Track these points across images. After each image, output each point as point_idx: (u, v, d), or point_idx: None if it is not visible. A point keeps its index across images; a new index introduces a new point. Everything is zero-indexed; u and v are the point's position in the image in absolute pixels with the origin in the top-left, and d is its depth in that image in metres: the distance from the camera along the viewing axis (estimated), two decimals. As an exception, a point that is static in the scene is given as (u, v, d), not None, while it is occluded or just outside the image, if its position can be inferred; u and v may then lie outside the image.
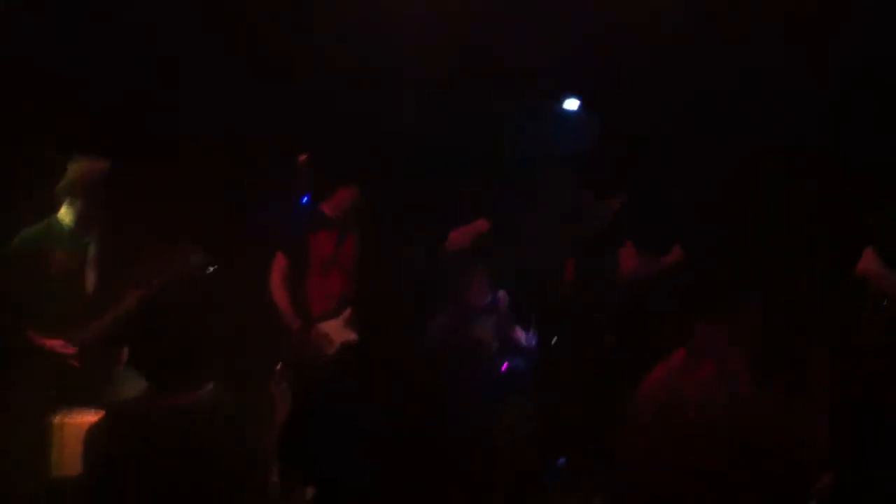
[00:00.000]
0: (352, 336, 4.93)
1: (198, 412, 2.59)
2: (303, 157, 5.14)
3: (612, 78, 5.74)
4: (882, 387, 4.01)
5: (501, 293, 5.38)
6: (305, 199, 5.50)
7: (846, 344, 4.33)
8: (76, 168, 4.10)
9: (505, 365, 5.28)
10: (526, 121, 6.19)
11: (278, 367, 4.98)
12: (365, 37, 5.35)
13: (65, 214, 4.14)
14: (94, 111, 4.95)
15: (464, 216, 5.39)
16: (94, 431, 2.58)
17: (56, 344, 3.98)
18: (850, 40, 4.98)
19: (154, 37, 5.03)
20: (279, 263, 4.91)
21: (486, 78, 5.76)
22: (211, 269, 4.20)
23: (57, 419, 3.87)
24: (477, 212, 5.44)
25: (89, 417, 4.22)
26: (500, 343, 5.30)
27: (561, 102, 6.40)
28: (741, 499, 2.99)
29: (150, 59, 5.12)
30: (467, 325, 5.18)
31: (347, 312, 4.96)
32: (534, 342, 5.41)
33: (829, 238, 5.07)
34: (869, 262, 4.37)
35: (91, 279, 4.18)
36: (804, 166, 5.47)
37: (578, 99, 6.34)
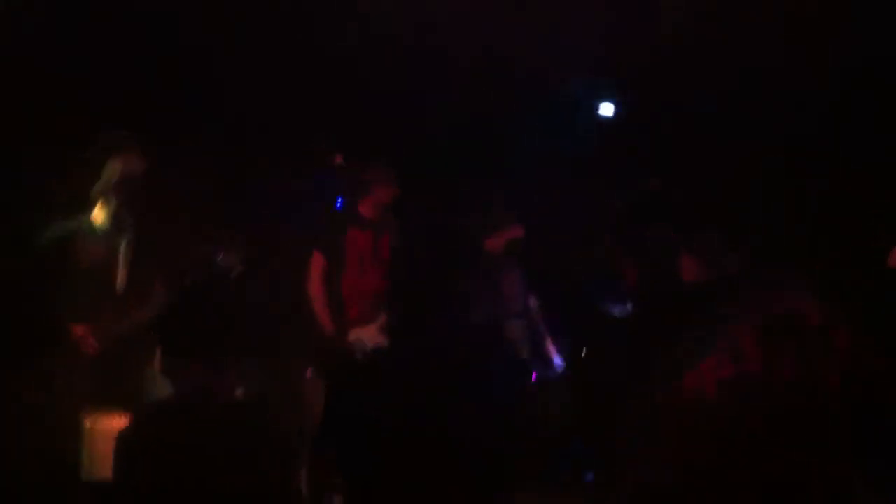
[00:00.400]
0: (383, 341, 4.85)
1: (232, 411, 2.50)
2: (338, 158, 5.04)
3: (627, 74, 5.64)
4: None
5: (532, 299, 5.40)
6: (339, 201, 5.49)
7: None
8: (114, 166, 4.09)
9: (535, 374, 5.34)
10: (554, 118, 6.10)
11: (308, 371, 4.93)
12: (397, 36, 5.31)
13: (99, 212, 4.12)
14: (129, 111, 4.89)
15: (501, 220, 5.30)
16: (127, 432, 2.53)
17: (78, 329, 3.95)
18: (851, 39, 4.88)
19: (190, 32, 5.00)
20: (317, 263, 4.87)
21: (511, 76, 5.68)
22: (237, 271, 4.16)
23: (88, 422, 3.81)
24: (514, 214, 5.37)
25: (120, 420, 4.19)
26: (530, 347, 5.33)
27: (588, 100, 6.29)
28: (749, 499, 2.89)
29: (187, 56, 5.07)
30: (501, 325, 5.16)
31: (382, 319, 4.88)
32: (560, 364, 5.46)
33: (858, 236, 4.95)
34: None
35: (122, 276, 4.16)
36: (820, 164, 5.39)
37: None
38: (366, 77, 5.53)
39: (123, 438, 2.52)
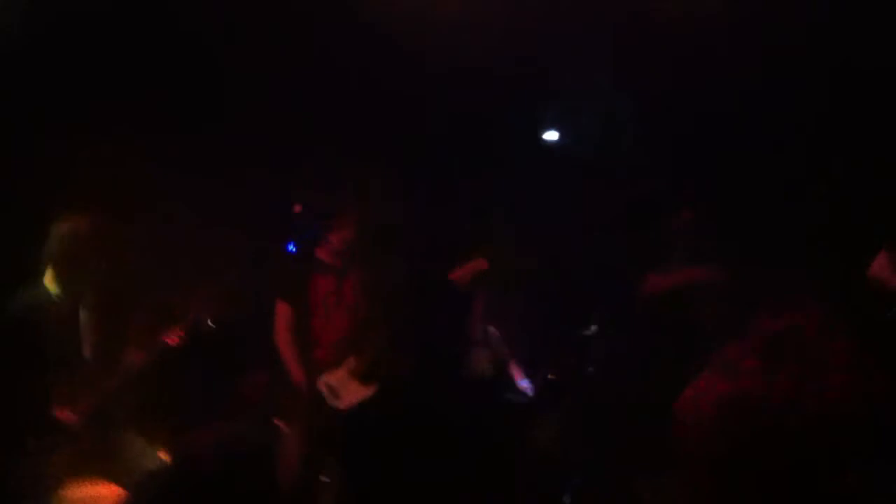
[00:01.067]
0: (361, 390, 4.86)
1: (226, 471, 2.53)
2: (297, 208, 5.05)
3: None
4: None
5: (492, 328, 5.56)
6: (290, 246, 5.51)
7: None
8: (58, 232, 3.90)
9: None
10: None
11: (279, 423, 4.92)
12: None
13: (49, 280, 3.93)
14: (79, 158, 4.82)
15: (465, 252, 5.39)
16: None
17: (63, 413, 3.82)
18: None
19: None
20: (282, 312, 4.89)
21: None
22: (211, 325, 4.10)
23: (67, 492, 3.72)
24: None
25: (99, 489, 4.11)
26: (495, 372, 5.50)
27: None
28: None
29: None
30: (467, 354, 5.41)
31: (351, 362, 4.88)
32: (528, 387, 5.57)
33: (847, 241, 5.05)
34: (882, 265, 4.38)
35: (87, 343, 3.97)
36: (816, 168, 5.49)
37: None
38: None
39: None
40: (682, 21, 4.94)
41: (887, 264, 4.31)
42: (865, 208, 4.86)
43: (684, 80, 5.40)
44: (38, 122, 4.84)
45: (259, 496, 2.74)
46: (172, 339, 4.03)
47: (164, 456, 4.14)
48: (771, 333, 3.12)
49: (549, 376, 5.50)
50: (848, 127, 5.28)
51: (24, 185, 4.66)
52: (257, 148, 5.48)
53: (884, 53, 4.88)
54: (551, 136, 6.49)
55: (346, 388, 4.82)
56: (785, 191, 5.34)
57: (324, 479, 4.71)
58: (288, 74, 5.42)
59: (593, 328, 5.39)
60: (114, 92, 5.00)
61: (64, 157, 4.71)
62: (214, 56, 5.22)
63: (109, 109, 4.88)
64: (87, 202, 4.05)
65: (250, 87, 5.40)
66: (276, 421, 4.74)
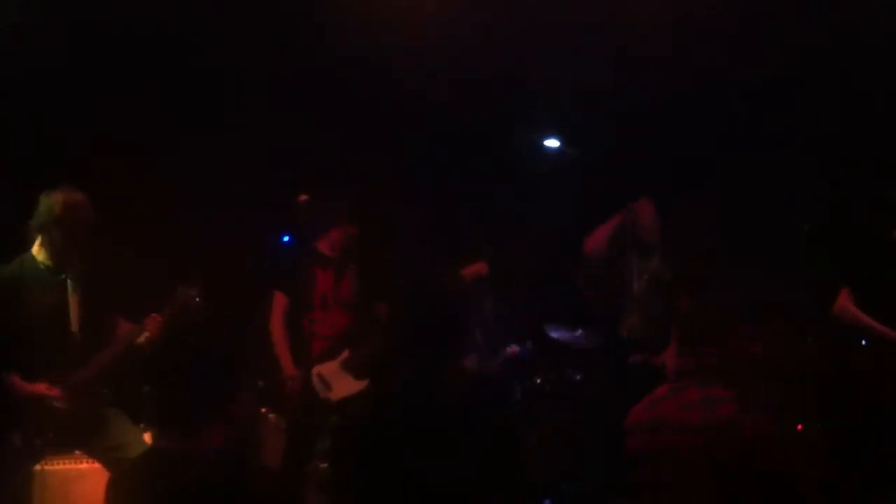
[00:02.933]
0: (354, 384, 4.76)
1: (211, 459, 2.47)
2: (303, 198, 4.99)
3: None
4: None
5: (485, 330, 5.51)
6: (287, 238, 5.47)
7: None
8: (49, 200, 3.80)
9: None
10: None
11: (263, 410, 4.82)
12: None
13: (38, 251, 3.84)
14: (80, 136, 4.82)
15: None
16: (116, 483, 2.56)
17: (39, 388, 3.70)
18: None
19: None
20: (278, 302, 4.84)
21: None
22: (197, 299, 3.99)
23: (38, 466, 3.64)
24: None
25: (72, 465, 4.05)
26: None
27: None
28: None
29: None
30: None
31: (345, 355, 4.80)
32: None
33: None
34: (843, 303, 4.34)
35: (75, 317, 3.86)
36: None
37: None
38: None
39: (115, 485, 2.53)
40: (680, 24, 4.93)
41: (848, 303, 4.29)
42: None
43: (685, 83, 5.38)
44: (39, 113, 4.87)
45: (246, 488, 2.68)
46: (161, 316, 3.95)
47: (148, 437, 4.08)
48: (744, 364, 3.19)
49: (538, 381, 5.40)
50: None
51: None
52: (260, 143, 5.48)
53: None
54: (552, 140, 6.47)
55: (338, 381, 4.74)
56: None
57: (322, 465, 4.62)
58: (294, 72, 5.43)
59: (578, 332, 5.32)
60: (118, 88, 5.04)
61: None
62: (222, 55, 5.23)
63: (112, 105, 4.92)
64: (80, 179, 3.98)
65: (255, 85, 5.42)
66: (263, 411, 4.66)
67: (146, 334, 3.90)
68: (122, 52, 5.05)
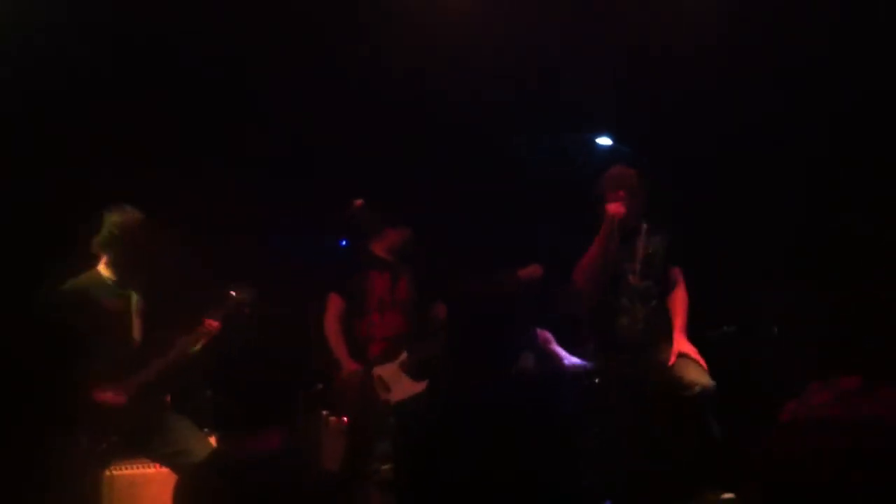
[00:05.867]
0: (413, 385, 4.78)
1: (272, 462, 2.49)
2: (359, 202, 5.02)
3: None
4: None
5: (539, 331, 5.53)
6: (343, 242, 5.53)
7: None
8: (112, 220, 4.06)
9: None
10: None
11: (324, 413, 4.89)
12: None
13: (105, 267, 4.10)
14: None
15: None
16: (182, 487, 2.61)
17: (108, 396, 3.86)
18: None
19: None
20: (334, 304, 4.88)
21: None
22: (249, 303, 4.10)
23: (108, 472, 3.73)
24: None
25: (140, 469, 4.13)
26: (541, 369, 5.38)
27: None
28: None
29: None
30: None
31: (403, 356, 4.82)
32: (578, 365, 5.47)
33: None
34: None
35: (137, 327, 4.09)
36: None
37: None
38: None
39: (181, 489, 2.58)
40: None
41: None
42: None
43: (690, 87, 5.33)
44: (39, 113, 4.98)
45: (306, 491, 2.70)
46: (214, 321, 4.06)
47: (212, 440, 4.15)
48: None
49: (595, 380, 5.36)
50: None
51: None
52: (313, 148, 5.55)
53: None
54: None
55: (397, 382, 4.76)
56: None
57: (384, 467, 4.65)
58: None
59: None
60: (147, 96, 5.13)
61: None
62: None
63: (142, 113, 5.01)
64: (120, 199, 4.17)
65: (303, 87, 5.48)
66: (324, 413, 4.70)
67: (202, 341, 4.05)
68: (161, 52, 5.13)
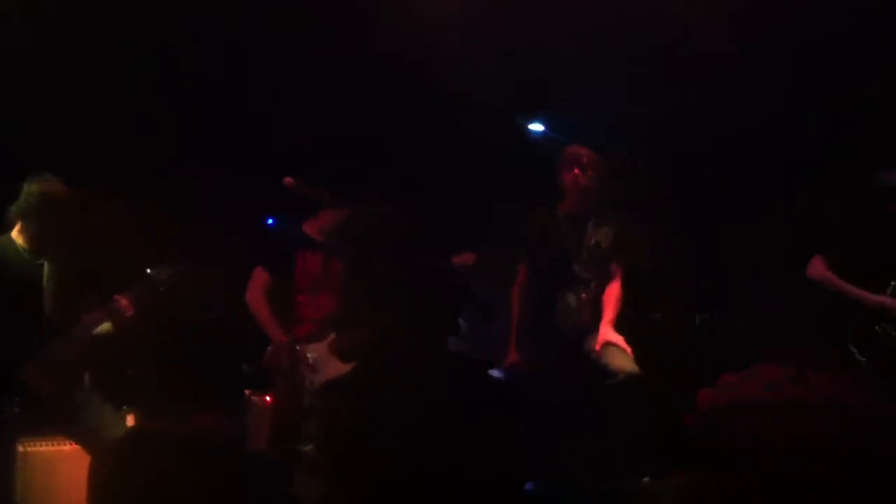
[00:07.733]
0: (341, 367, 4.73)
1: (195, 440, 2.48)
2: (288, 181, 4.96)
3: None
4: None
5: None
6: (270, 220, 5.51)
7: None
8: (30, 188, 3.99)
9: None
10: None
11: (247, 392, 4.85)
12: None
13: (17, 235, 4.01)
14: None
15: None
16: (97, 464, 2.51)
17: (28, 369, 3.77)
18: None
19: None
20: (259, 278, 4.82)
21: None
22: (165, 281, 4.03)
23: (22, 448, 3.64)
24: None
25: (55, 447, 4.03)
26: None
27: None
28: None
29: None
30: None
31: (332, 338, 4.78)
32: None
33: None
34: (818, 268, 4.70)
35: (48, 301, 4.01)
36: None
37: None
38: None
39: (96, 466, 2.52)
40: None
41: (822, 267, 4.67)
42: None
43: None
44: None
45: (231, 470, 2.67)
46: (124, 300, 3.99)
47: (130, 421, 4.08)
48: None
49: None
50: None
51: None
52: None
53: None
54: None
55: (325, 363, 4.71)
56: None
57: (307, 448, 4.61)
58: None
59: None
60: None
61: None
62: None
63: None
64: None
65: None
66: (248, 393, 4.65)
67: (111, 319, 4.00)
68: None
